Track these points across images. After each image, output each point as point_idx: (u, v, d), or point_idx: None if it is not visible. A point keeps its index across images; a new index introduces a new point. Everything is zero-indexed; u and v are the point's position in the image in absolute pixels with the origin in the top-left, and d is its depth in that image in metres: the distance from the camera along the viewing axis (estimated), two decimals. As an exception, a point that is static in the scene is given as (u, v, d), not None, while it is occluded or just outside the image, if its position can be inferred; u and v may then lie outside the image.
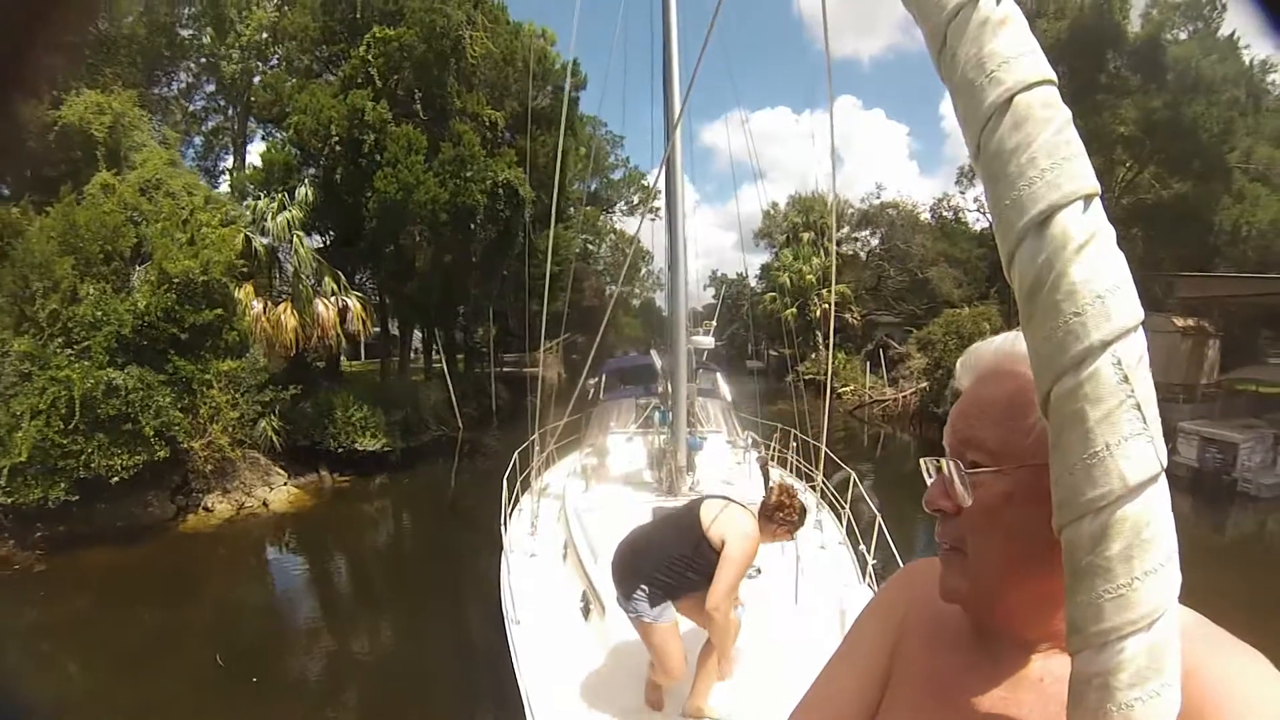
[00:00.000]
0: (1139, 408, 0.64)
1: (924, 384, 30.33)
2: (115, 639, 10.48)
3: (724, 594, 4.22)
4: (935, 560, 1.02)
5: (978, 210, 44.73)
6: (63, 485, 12.95)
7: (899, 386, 33.84)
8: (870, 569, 6.12)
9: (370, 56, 18.68)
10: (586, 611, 5.44)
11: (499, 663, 5.16)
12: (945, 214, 49.17)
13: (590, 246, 38.33)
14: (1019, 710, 0.87)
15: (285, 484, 16.84)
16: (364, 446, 18.47)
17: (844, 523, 7.53)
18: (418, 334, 29.45)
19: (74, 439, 12.85)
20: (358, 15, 19.13)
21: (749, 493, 7.06)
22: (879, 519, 6.45)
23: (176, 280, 14.46)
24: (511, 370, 34.28)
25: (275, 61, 22.99)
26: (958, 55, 0.70)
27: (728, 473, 8.60)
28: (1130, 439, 0.63)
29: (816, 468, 8.96)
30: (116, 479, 13.22)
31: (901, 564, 4.56)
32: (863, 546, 6.62)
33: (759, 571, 5.49)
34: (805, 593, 5.44)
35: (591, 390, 12.22)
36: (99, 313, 13.76)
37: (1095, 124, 21.48)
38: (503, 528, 7.08)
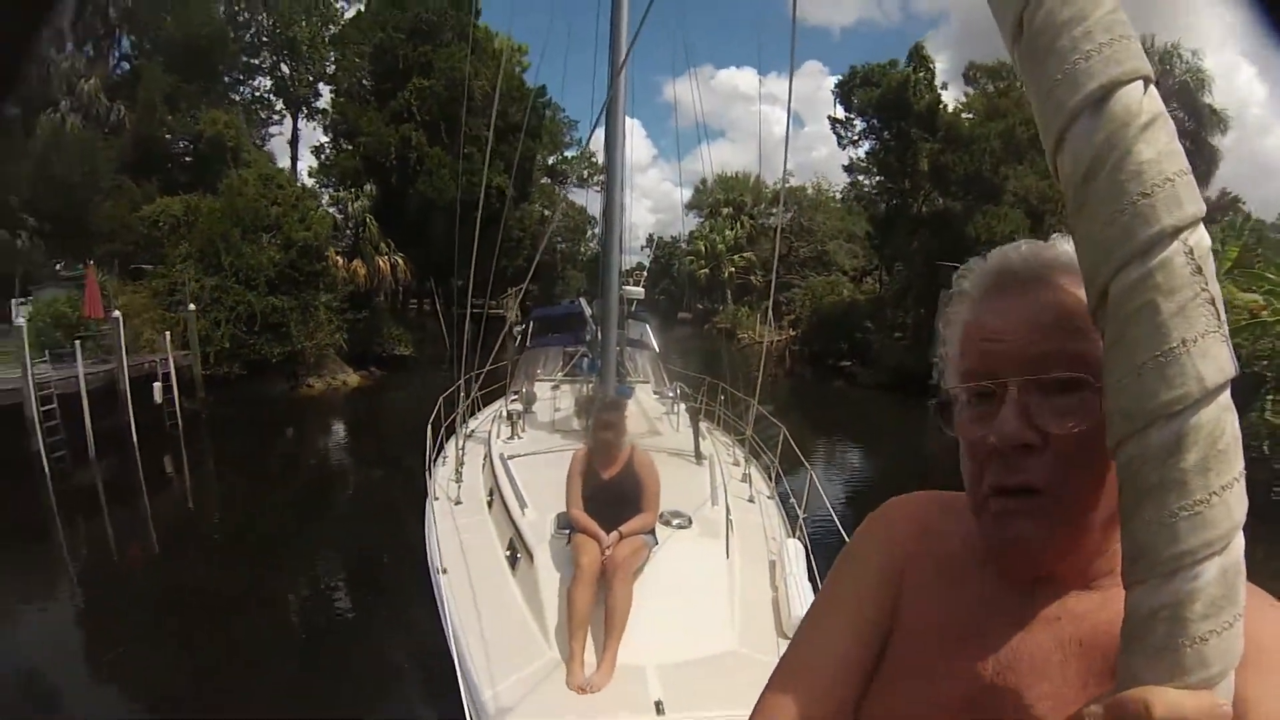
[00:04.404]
0: (1213, 303, 0.58)
1: (791, 333, 40.78)
2: (259, 464, 18.61)
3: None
4: (918, 497, 1.00)
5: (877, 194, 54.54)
6: (238, 365, 22.61)
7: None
8: (801, 524, 5.92)
9: (412, 99, 28.45)
10: (514, 561, 5.17)
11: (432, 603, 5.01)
12: (851, 198, 59.21)
13: (546, 213, 47.56)
14: (1035, 653, 0.80)
15: (353, 373, 26.86)
16: (400, 353, 28.74)
17: (773, 476, 7.40)
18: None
19: (252, 335, 22.49)
20: (400, 66, 28.98)
21: (676, 444, 7.26)
22: (810, 474, 6.39)
23: (298, 244, 24.02)
24: (479, 311, 43.88)
25: (334, 86, 32.79)
26: None
27: (654, 423, 8.41)
28: (1206, 336, 0.57)
29: (745, 421, 8.50)
30: (275, 359, 23.00)
31: (835, 516, 5.65)
32: (793, 500, 6.50)
33: (689, 522, 5.29)
34: (736, 546, 5.15)
35: (518, 336, 12.09)
36: (255, 263, 23.24)
37: (907, 159, 31.99)
38: (427, 474, 6.99)
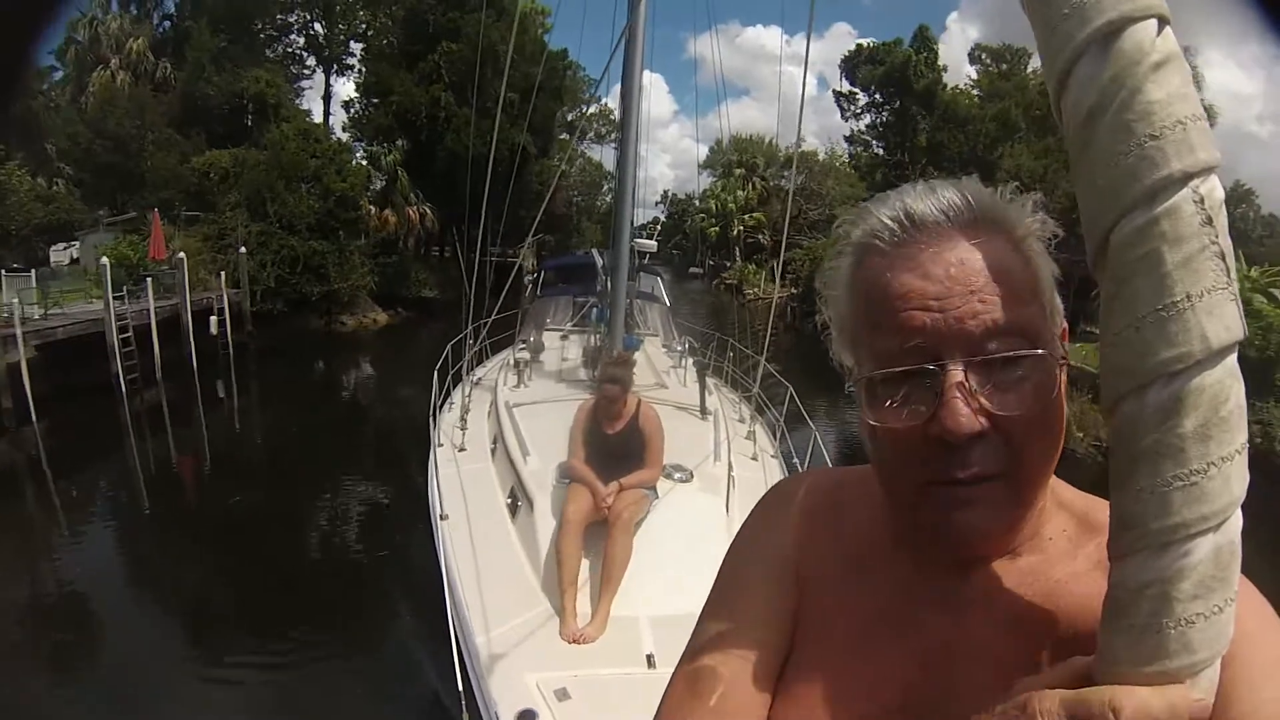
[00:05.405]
0: (1223, 258, 0.52)
1: (793, 290, 42.92)
2: (298, 391, 21.26)
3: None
4: (807, 479, 0.93)
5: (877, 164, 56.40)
6: (281, 303, 25.13)
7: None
8: None
9: (441, 62, 30.63)
10: (514, 508, 5.18)
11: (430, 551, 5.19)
12: (860, 165, 60.78)
13: (565, 167, 49.56)
14: (969, 639, 0.72)
15: (382, 312, 29.62)
16: (425, 295, 31.49)
17: (777, 436, 7.38)
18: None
19: (294, 276, 25.01)
20: (430, 30, 31.10)
21: (682, 398, 7.31)
22: (815, 435, 6.45)
23: (336, 194, 26.39)
24: (498, 259, 46.54)
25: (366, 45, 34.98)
26: None
27: (661, 376, 8.30)
28: (1214, 292, 0.52)
29: (752, 379, 8.37)
30: (314, 298, 25.69)
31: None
32: (796, 459, 6.60)
33: (691, 476, 5.23)
34: (736, 503, 5.07)
35: (529, 285, 11.96)
36: (297, 210, 25.61)
37: (906, 134, 33.91)
38: (432, 420, 6.98)
